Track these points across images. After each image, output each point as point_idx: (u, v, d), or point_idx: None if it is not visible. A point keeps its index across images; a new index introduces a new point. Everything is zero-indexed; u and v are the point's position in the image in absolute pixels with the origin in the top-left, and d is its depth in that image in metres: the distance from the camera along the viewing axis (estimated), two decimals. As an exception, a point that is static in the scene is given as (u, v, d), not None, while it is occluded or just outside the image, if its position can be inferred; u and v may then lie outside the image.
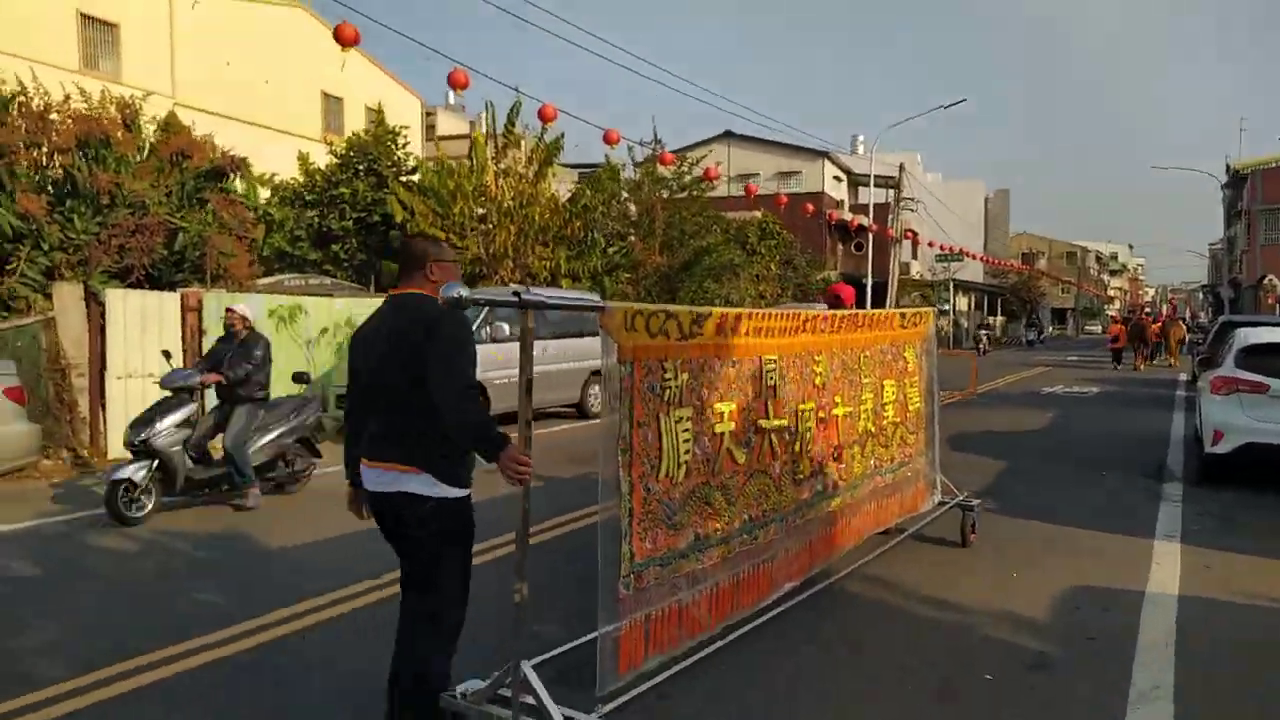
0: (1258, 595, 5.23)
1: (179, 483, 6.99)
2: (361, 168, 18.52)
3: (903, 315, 5.86)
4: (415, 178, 18.52)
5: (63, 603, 5.12)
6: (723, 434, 3.81)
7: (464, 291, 2.81)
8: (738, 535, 3.94)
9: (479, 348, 3.25)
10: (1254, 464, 8.46)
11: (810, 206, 26.89)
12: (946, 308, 43.20)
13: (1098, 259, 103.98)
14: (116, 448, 9.07)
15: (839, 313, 5.16)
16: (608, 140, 16.00)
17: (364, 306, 14.28)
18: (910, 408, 5.87)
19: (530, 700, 3.03)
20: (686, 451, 3.55)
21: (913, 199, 36.67)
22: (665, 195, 21.43)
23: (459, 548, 3.18)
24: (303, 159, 18.75)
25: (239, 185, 20.16)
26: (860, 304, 32.53)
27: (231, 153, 13.44)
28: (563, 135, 18.51)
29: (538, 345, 13.66)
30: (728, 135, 49.20)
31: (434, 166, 18.00)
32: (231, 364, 7.14)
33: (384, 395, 3.14)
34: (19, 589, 5.37)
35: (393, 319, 3.19)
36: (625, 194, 21.02)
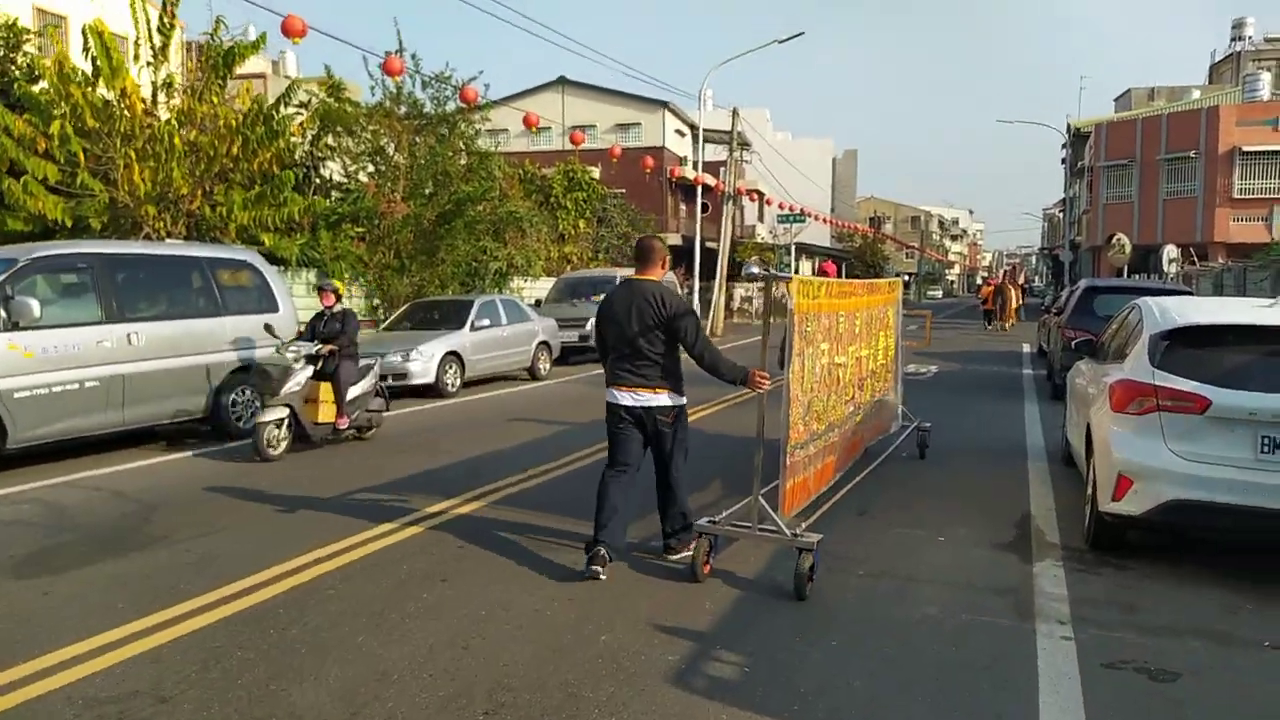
0: None
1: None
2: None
3: (888, 284, 8.01)
4: (40, 87, 13.20)
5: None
6: (824, 365, 5.47)
7: (756, 269, 5.17)
8: (824, 434, 5.57)
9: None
10: (1177, 529, 5.04)
11: (616, 151, 22.69)
12: (789, 274, 40.21)
13: (940, 224, 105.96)
14: None
15: (862, 281, 7.07)
16: (287, 30, 11.29)
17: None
18: (889, 354, 7.84)
19: (766, 526, 4.69)
20: (814, 374, 5.23)
21: (749, 146, 33.30)
22: (415, 124, 16.59)
23: (686, 434, 5.08)
24: None
25: None
26: (690, 270, 28.82)
27: None
28: (264, 36, 13.65)
29: (119, 333, 9.02)
30: (562, 81, 44.58)
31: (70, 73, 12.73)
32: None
33: (632, 344, 4.87)
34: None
35: (638, 295, 4.89)
36: (362, 121, 16.09)
